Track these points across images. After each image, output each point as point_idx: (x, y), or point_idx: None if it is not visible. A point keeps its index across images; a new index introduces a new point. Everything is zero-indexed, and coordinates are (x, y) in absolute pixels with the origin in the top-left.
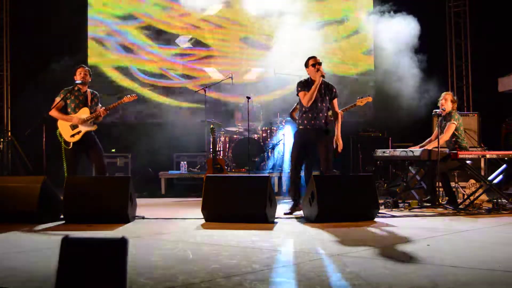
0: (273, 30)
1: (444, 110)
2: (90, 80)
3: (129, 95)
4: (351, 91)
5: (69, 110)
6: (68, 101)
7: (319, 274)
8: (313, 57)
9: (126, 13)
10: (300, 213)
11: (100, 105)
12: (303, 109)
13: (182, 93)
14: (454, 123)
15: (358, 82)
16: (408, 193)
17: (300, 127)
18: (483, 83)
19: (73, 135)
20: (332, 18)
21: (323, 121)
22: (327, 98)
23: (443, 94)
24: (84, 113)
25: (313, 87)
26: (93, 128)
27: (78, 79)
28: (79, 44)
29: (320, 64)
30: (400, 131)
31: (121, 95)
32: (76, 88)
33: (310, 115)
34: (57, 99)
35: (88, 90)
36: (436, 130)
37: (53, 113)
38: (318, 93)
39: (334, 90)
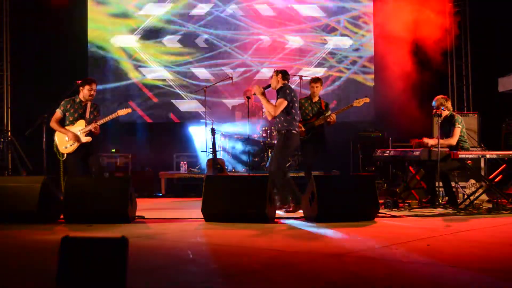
0: (275, 30)
1: (443, 110)
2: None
3: (124, 109)
4: (350, 91)
5: (67, 122)
6: (67, 114)
7: (319, 274)
8: None
9: (124, 12)
10: (300, 213)
11: (100, 116)
12: None
13: (182, 93)
14: (459, 127)
15: (357, 82)
16: (408, 193)
17: None
18: (483, 83)
19: (66, 147)
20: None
21: (279, 125)
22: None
23: (438, 100)
24: (80, 125)
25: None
26: (88, 139)
27: (86, 94)
28: (79, 44)
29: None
30: (400, 131)
31: (120, 97)
32: (77, 100)
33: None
34: (58, 111)
35: (89, 102)
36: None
37: (53, 125)
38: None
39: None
